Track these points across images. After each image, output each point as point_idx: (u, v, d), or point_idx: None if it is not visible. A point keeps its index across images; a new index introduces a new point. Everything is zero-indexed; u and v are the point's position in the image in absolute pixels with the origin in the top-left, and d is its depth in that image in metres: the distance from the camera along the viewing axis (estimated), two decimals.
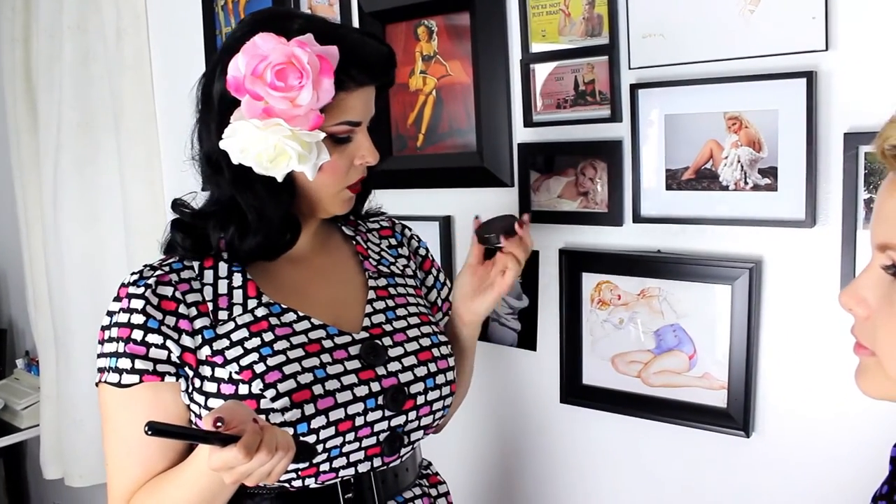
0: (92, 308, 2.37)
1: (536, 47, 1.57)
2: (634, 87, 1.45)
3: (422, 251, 1.40)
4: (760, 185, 1.36)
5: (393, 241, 1.36)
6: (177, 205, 1.18)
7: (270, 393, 1.06)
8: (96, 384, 1.11)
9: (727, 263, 1.40)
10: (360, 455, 1.14)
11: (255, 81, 1.01)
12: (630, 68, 1.46)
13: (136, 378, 1.05)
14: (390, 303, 1.25)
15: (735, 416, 1.42)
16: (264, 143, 1.02)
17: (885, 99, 1.25)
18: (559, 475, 1.70)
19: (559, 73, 1.55)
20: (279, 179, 1.06)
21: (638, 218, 1.49)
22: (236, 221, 1.11)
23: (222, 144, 1.05)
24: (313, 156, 1.05)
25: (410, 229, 1.41)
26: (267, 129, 1.01)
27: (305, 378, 1.08)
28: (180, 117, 2.28)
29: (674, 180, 1.44)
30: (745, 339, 1.40)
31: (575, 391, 1.62)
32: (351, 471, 1.14)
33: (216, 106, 1.09)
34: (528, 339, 1.68)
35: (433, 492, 1.31)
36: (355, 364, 1.13)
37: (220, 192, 1.13)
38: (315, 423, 1.07)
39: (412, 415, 1.18)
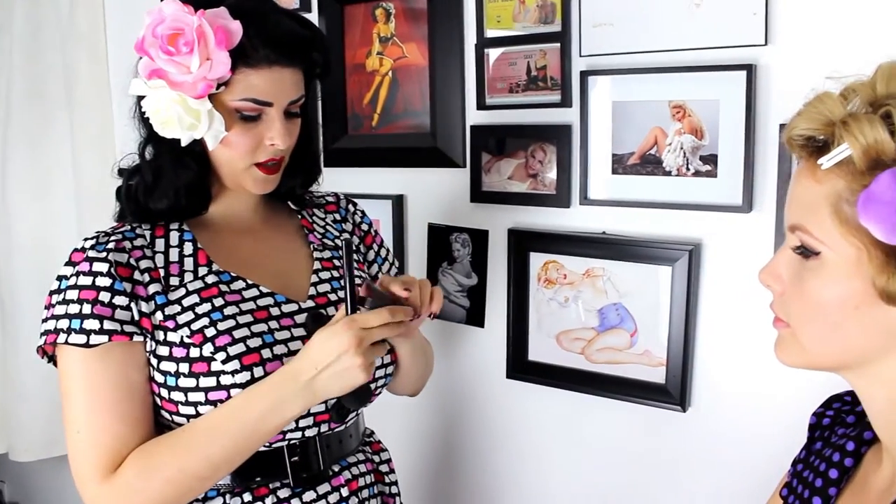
0: (41, 281, 2.32)
1: (491, 32, 1.61)
2: (584, 74, 1.50)
3: (364, 226, 1.42)
4: (701, 172, 1.42)
5: (337, 216, 1.39)
6: (121, 171, 1.22)
7: (221, 356, 1.10)
8: (43, 347, 1.11)
9: (668, 245, 1.46)
10: (310, 420, 1.17)
11: (151, 43, 1.07)
12: (581, 56, 1.51)
13: (104, 338, 1.07)
14: (335, 273, 1.28)
15: (673, 392, 1.49)
16: (155, 104, 1.09)
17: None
18: (503, 447, 1.75)
19: (512, 59, 1.59)
20: (182, 143, 1.11)
21: (585, 200, 1.54)
22: (140, 178, 1.18)
23: (143, 103, 1.11)
24: (203, 125, 1.09)
25: (355, 204, 1.44)
26: (153, 90, 1.08)
27: (254, 342, 1.12)
28: None
29: (620, 165, 1.50)
30: (684, 319, 1.46)
31: (521, 367, 1.67)
32: (298, 434, 1.17)
33: (137, 63, 1.15)
34: (476, 317, 1.73)
35: (376, 458, 1.35)
36: (301, 331, 1.17)
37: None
38: None
39: None
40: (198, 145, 1.13)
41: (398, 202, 1.79)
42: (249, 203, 1.26)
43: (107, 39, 2.27)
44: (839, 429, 0.97)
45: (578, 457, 1.65)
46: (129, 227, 1.17)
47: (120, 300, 1.09)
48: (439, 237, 1.74)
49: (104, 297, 1.08)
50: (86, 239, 1.14)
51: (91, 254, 1.11)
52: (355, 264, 1.33)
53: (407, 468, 1.42)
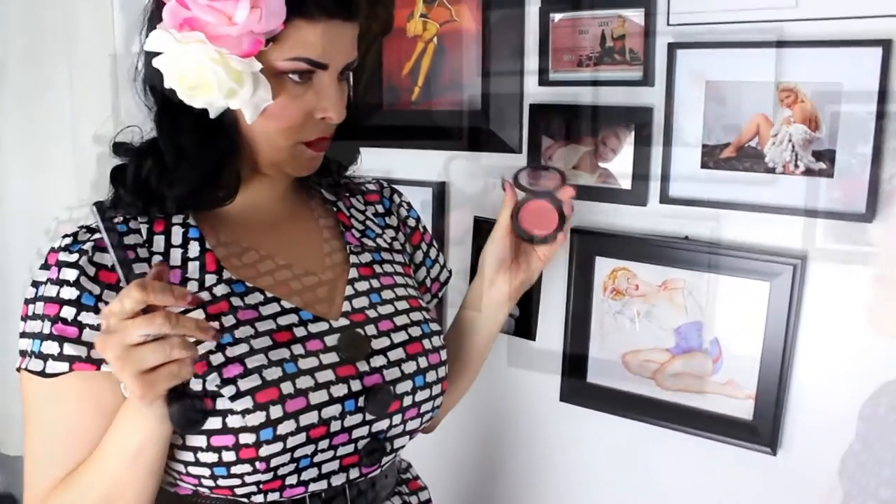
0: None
1: None
2: (672, 47, 1.30)
3: (411, 221, 1.22)
4: (813, 170, 1.21)
5: (380, 209, 1.18)
6: (119, 147, 0.98)
7: (229, 391, 0.88)
8: (17, 369, 0.93)
9: (767, 258, 1.26)
10: (335, 465, 0.97)
11: None
12: (669, 24, 1.31)
13: (64, 366, 0.88)
14: (375, 283, 1.07)
15: (761, 430, 1.30)
16: (183, 63, 0.86)
17: None
18: (555, 482, 1.57)
19: (584, 26, 1.38)
20: (211, 115, 0.89)
21: (666, 198, 1.35)
22: (154, 159, 0.94)
23: (155, 61, 0.87)
24: (246, 91, 0.87)
25: (401, 194, 1.24)
26: (185, 44, 0.85)
27: (272, 373, 0.91)
28: None
29: (711, 158, 1.30)
30: (782, 345, 1.26)
31: (578, 389, 1.48)
32: (323, 484, 0.97)
33: (150, 10, 0.93)
34: (525, 327, 1.53)
35: (413, 500, 1.16)
36: (332, 357, 0.96)
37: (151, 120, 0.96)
38: (282, 429, 0.90)
39: (397, 418, 1.01)
40: (227, 117, 0.91)
41: (439, 190, 1.59)
42: (276, 191, 1.05)
43: None
44: None
45: (642, 499, 1.46)
46: (121, 218, 0.95)
47: (89, 317, 0.88)
48: (486, 233, 1.52)
49: (67, 312, 0.88)
50: (65, 236, 0.93)
51: (62, 256, 0.90)
52: (401, 268, 1.12)
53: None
